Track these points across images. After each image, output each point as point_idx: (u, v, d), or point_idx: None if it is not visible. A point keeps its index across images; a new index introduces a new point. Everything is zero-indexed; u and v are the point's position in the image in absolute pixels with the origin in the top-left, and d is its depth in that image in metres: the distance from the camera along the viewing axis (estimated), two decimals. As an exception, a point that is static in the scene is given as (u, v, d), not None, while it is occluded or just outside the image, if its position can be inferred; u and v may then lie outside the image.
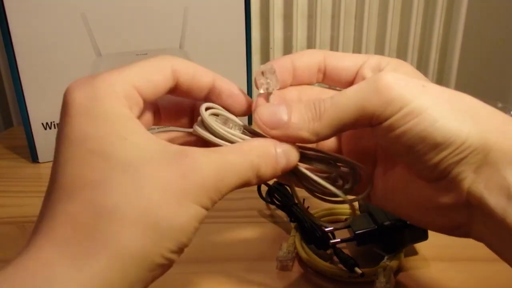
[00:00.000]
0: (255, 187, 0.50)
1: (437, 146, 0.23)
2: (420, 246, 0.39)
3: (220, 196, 0.23)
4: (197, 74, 0.27)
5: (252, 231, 0.43)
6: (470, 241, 0.26)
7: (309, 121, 0.25)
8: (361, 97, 0.24)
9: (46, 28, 0.53)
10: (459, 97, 0.25)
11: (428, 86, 0.25)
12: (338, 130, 0.25)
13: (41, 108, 0.56)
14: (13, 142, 0.67)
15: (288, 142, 0.26)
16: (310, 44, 0.82)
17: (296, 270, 0.37)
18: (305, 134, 0.25)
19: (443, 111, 0.23)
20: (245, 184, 0.24)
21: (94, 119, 0.22)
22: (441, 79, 0.85)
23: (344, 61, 0.30)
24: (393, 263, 0.36)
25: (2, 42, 0.53)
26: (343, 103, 0.25)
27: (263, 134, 0.26)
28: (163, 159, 0.22)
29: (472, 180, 0.23)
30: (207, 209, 0.23)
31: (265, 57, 0.82)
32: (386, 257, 0.36)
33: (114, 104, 0.22)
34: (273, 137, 0.26)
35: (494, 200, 0.23)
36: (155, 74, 0.25)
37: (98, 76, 0.23)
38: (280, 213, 0.45)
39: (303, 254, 0.38)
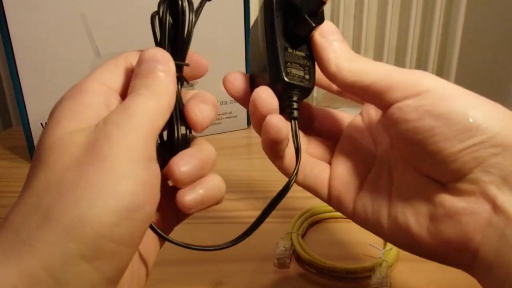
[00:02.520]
0: (252, 188, 0.50)
1: (465, 130, 0.22)
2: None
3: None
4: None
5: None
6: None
7: (344, 56, 0.26)
8: (395, 70, 0.24)
9: (45, 28, 0.53)
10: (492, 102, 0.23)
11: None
12: (355, 84, 0.25)
13: (40, 109, 0.56)
14: (12, 142, 0.67)
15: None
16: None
17: (294, 267, 0.37)
18: (332, 61, 0.26)
19: (477, 102, 0.23)
20: None
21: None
22: (440, 79, 0.85)
23: None
24: (390, 258, 0.36)
25: (1, 42, 0.53)
26: (379, 66, 0.25)
27: None
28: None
29: (502, 191, 0.21)
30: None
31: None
32: (382, 252, 0.36)
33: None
34: (314, 43, 0.27)
35: None
36: (113, 66, 0.25)
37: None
38: (275, 212, 0.45)
39: (300, 251, 0.38)
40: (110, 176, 0.19)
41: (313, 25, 0.27)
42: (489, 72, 0.86)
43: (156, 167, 0.22)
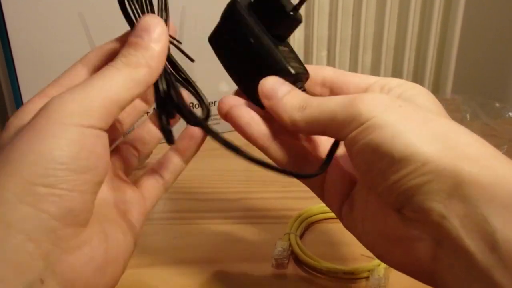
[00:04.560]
0: (250, 188, 0.50)
1: (395, 163, 0.22)
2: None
3: None
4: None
5: (246, 231, 0.43)
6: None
7: (294, 108, 0.26)
8: (339, 106, 0.24)
9: (43, 28, 0.53)
10: (439, 123, 0.23)
11: (406, 107, 0.24)
12: (311, 129, 0.26)
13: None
14: (11, 141, 0.67)
15: (274, 117, 0.27)
16: (308, 42, 0.82)
17: (292, 268, 0.37)
18: (285, 117, 0.26)
19: (407, 129, 0.22)
20: None
21: None
22: (438, 79, 0.85)
23: (354, 78, 0.30)
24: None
25: (-1, 41, 0.53)
26: (325, 106, 0.25)
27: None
28: None
29: (443, 213, 0.21)
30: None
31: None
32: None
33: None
34: (264, 106, 0.27)
35: (474, 245, 0.20)
36: (68, 77, 0.28)
37: None
38: (273, 213, 0.45)
39: (298, 252, 0.38)
40: (39, 136, 0.21)
41: (300, 20, 0.28)
42: (488, 71, 0.86)
43: (98, 133, 0.23)
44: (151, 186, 0.31)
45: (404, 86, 0.27)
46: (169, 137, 0.26)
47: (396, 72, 0.85)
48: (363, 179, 0.26)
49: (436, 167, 0.21)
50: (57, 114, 0.22)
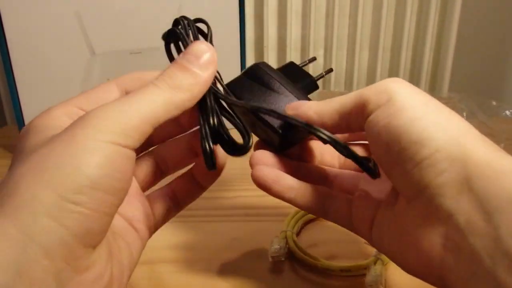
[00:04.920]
0: (249, 186, 0.50)
1: (411, 146, 0.22)
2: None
3: None
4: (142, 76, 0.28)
5: (243, 229, 0.43)
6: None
7: (319, 104, 0.28)
8: (362, 90, 0.26)
9: (40, 27, 0.53)
10: (457, 117, 0.24)
11: (427, 96, 0.24)
12: (340, 116, 0.27)
13: (35, 107, 0.56)
14: (7, 140, 0.67)
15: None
16: (304, 42, 0.82)
17: (288, 265, 0.37)
18: (311, 113, 0.27)
19: (426, 114, 0.23)
20: None
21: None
22: (435, 78, 0.85)
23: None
24: (385, 257, 0.36)
25: (-4, 40, 0.53)
26: (349, 94, 0.26)
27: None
28: None
29: (451, 210, 0.21)
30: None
31: (259, 56, 0.83)
32: (376, 250, 0.36)
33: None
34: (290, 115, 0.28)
35: (479, 244, 0.20)
36: (99, 92, 0.26)
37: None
38: (270, 211, 0.45)
39: (295, 250, 0.38)
40: (75, 149, 0.21)
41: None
42: (484, 70, 0.87)
43: (130, 154, 0.23)
44: (162, 207, 0.30)
45: (407, 88, 0.27)
46: (212, 163, 0.26)
47: (393, 71, 0.85)
48: (380, 164, 0.26)
49: (448, 155, 0.21)
50: (93, 130, 0.21)
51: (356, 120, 0.26)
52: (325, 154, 0.33)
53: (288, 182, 0.29)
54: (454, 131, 0.22)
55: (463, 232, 0.21)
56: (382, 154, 0.24)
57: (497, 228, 0.20)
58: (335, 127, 0.27)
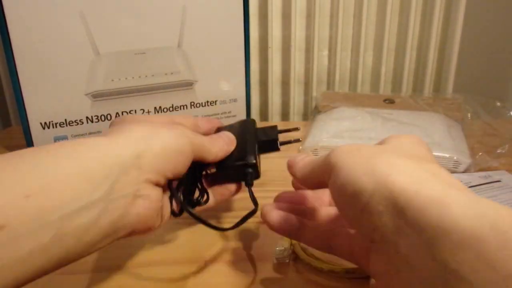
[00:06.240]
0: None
1: (352, 198, 0.25)
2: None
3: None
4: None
5: (247, 231, 0.43)
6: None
7: (298, 162, 0.34)
8: (321, 158, 0.30)
9: (44, 27, 0.53)
10: (380, 159, 0.26)
11: (363, 150, 0.27)
12: (308, 178, 0.33)
13: (39, 108, 0.56)
14: (12, 141, 0.67)
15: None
16: (309, 43, 0.82)
17: (293, 267, 0.37)
18: (293, 171, 0.35)
19: (355, 168, 0.26)
20: None
21: None
22: (439, 78, 0.85)
23: None
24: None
25: (0, 41, 0.53)
26: (318, 160, 0.31)
27: None
28: None
29: (395, 240, 0.24)
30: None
31: (264, 56, 0.83)
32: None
33: None
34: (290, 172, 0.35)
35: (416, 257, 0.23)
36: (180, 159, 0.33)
37: None
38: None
39: (299, 252, 0.38)
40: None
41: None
42: (489, 71, 0.86)
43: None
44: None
45: (402, 138, 0.30)
46: (177, 211, 0.35)
47: (397, 71, 0.85)
48: (343, 218, 0.30)
49: (381, 195, 0.24)
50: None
51: (318, 180, 0.31)
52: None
53: (293, 224, 0.34)
54: (382, 174, 0.25)
55: (406, 254, 0.23)
56: (339, 210, 0.28)
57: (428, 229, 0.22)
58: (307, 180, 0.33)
